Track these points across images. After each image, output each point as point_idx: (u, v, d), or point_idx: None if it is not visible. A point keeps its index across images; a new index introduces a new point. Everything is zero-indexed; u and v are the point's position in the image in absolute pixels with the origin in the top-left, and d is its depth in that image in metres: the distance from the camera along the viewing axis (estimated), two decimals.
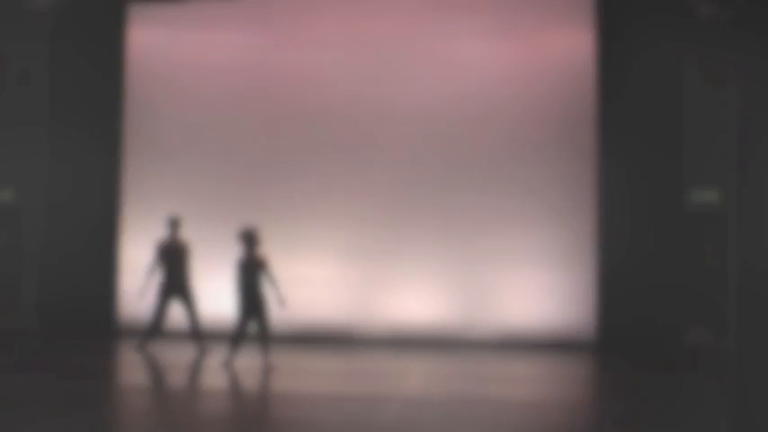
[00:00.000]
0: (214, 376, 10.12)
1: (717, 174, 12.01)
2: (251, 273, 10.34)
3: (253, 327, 10.43)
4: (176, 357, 11.27)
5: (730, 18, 7.02)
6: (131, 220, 13.41)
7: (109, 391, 9.27)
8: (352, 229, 12.93)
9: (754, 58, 7.25)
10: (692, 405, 8.74)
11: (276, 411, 8.72)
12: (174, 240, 11.50)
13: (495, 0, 13.21)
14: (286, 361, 10.69)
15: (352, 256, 12.97)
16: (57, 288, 13.25)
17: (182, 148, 13.43)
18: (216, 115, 13.43)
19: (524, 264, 12.65)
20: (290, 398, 8.93)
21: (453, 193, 12.88)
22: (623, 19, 12.37)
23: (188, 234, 11.67)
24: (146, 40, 13.70)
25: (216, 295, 12.03)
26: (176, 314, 11.61)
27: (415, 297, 12.84)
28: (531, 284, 12.62)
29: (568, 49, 12.90)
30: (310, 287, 12.78)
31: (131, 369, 10.86)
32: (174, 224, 11.52)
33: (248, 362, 10.44)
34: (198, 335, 11.44)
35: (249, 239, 10.36)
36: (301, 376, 10.19)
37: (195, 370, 10.65)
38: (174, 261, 11.40)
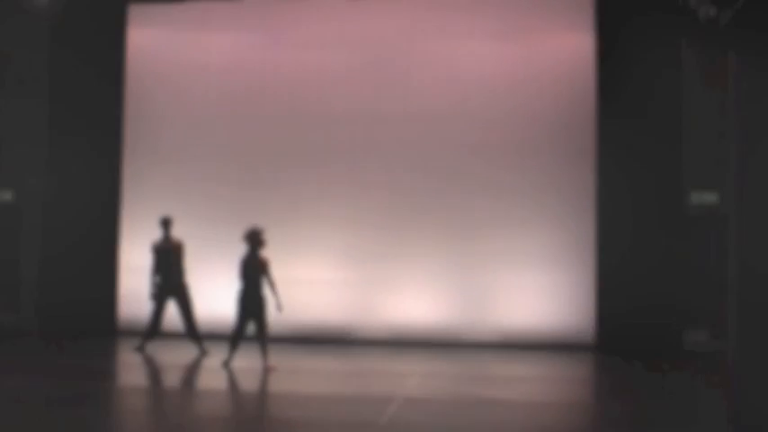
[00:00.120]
0: (213, 376, 10.13)
1: (716, 175, 12.03)
2: (252, 273, 10.34)
3: (251, 327, 10.43)
4: (175, 358, 11.27)
5: (730, 19, 7.02)
6: (131, 220, 13.42)
7: (106, 392, 9.25)
8: (352, 229, 12.93)
9: (753, 58, 7.26)
10: (692, 406, 8.74)
11: (275, 412, 8.72)
12: (168, 240, 11.51)
13: (496, 1, 13.22)
14: (286, 361, 10.69)
15: (352, 257, 12.97)
16: (56, 289, 13.27)
17: (181, 148, 13.45)
18: (215, 116, 13.44)
19: (524, 265, 12.65)
20: (290, 398, 8.93)
21: (453, 195, 12.88)
22: (623, 20, 12.37)
23: (187, 235, 11.67)
24: (145, 40, 13.72)
25: (215, 296, 12.04)
26: (177, 315, 11.60)
27: (415, 298, 12.84)
28: (530, 286, 12.61)
29: (568, 50, 12.90)
30: (310, 288, 12.79)
31: (129, 369, 10.85)
32: (165, 224, 11.52)
33: (248, 362, 10.44)
34: (195, 335, 11.44)
35: (251, 240, 10.35)
36: (301, 377, 10.19)
37: (193, 370, 10.66)
38: (168, 261, 11.42)
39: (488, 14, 13.11)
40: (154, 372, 10.92)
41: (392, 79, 13.11)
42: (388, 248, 12.87)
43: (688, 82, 12.40)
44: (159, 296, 11.47)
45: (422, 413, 8.16)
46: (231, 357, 10.46)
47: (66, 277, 13.17)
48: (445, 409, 8.36)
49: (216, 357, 10.77)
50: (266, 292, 10.38)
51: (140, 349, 11.55)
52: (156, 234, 11.62)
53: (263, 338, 10.33)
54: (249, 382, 9.93)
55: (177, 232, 11.60)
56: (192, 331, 11.44)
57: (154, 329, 11.59)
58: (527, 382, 9.90)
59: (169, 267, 11.39)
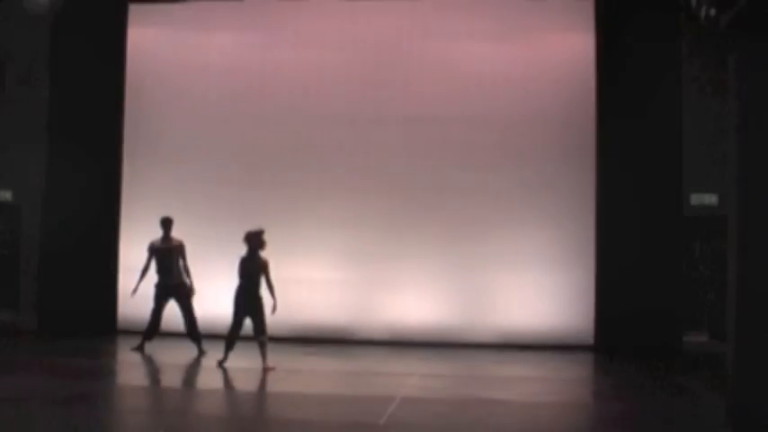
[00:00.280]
0: (212, 376, 10.13)
1: (717, 176, 12.02)
2: (251, 273, 10.34)
3: (248, 327, 10.43)
4: (174, 357, 11.26)
5: (730, 20, 7.02)
6: (130, 219, 13.41)
7: (104, 391, 9.25)
8: (352, 229, 12.92)
9: (753, 59, 7.26)
10: (691, 406, 8.74)
11: (273, 412, 8.72)
12: (168, 240, 11.50)
13: (496, 1, 13.22)
14: (285, 362, 10.68)
15: (352, 257, 12.96)
16: (56, 288, 13.27)
17: (181, 147, 13.44)
18: (215, 115, 13.44)
19: (524, 265, 12.63)
20: (288, 398, 8.92)
21: (453, 195, 12.87)
22: (624, 20, 12.37)
23: (187, 234, 11.66)
24: (145, 40, 13.72)
25: (215, 296, 12.02)
26: (176, 315, 11.59)
27: (415, 298, 12.83)
28: (530, 286, 12.60)
29: (569, 50, 12.90)
30: (310, 288, 12.79)
31: (128, 369, 10.85)
32: (166, 224, 11.51)
33: (247, 362, 10.43)
34: (195, 335, 11.43)
35: (251, 241, 10.36)
36: (300, 377, 10.18)
37: (192, 370, 10.65)
38: (167, 261, 11.40)
39: (488, 14, 13.10)
40: (153, 371, 10.92)
41: (392, 79, 13.09)
42: (389, 248, 12.85)
43: (688, 82, 12.39)
44: (159, 296, 11.46)
45: (421, 413, 8.16)
46: (226, 357, 10.46)
47: (66, 276, 13.17)
48: (445, 409, 8.35)
49: (215, 357, 10.75)
50: (263, 292, 10.38)
51: (139, 349, 11.54)
52: (155, 233, 11.60)
53: (262, 338, 10.32)
54: (248, 382, 9.92)
55: (177, 232, 11.58)
56: (192, 331, 11.44)
57: (153, 329, 11.58)
58: (527, 383, 9.89)
59: (170, 267, 11.39)
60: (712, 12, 7.11)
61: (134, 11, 13.77)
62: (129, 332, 12.50)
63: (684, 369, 10.87)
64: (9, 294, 13.87)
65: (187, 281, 11.47)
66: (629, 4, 12.32)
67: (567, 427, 7.92)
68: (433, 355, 11.89)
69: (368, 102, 13.12)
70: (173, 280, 11.41)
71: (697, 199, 12.64)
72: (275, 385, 9.72)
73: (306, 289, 12.70)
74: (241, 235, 10.42)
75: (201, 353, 11.29)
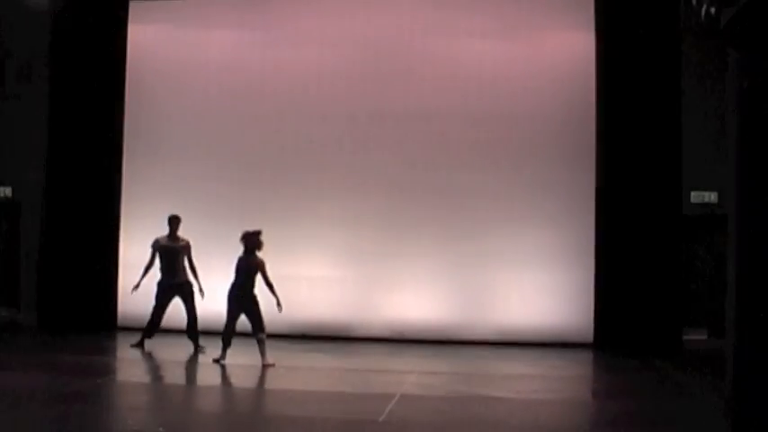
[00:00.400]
0: (211, 373, 10.13)
1: (717, 175, 12.02)
2: (246, 273, 10.35)
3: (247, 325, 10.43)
4: (173, 354, 11.27)
5: (731, 18, 7.02)
6: (130, 216, 13.41)
7: (104, 388, 9.25)
8: (352, 227, 12.92)
9: (754, 57, 7.26)
10: (691, 405, 8.74)
11: (273, 408, 8.73)
12: (174, 239, 11.48)
13: (496, 0, 13.22)
14: (284, 359, 10.69)
15: (352, 255, 12.97)
16: (56, 285, 13.28)
17: (181, 145, 13.45)
18: (215, 113, 13.44)
19: (523, 263, 12.64)
20: (288, 395, 8.93)
21: (453, 193, 12.87)
22: (624, 19, 12.37)
23: (186, 233, 11.65)
24: (146, 37, 13.71)
25: (214, 295, 12.01)
26: (175, 312, 11.58)
27: (414, 296, 12.84)
28: (530, 284, 12.61)
29: (569, 49, 12.89)
30: (309, 286, 12.79)
31: (127, 365, 10.86)
32: (173, 222, 11.49)
33: (246, 359, 10.44)
34: (193, 333, 11.42)
35: (248, 242, 10.36)
36: (299, 374, 10.20)
37: (192, 367, 10.66)
38: (172, 259, 11.39)
39: (489, 12, 13.10)
40: (153, 368, 10.93)
41: (392, 77, 13.09)
42: (388, 246, 12.86)
43: (688, 81, 12.39)
44: (160, 295, 11.44)
45: (420, 410, 8.17)
46: (224, 354, 10.46)
47: (66, 273, 13.18)
48: (444, 406, 8.36)
49: (212, 355, 10.74)
50: (259, 291, 10.37)
51: (139, 346, 11.54)
52: (154, 230, 11.58)
53: (261, 336, 10.32)
54: (247, 379, 9.93)
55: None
56: (192, 329, 11.43)
57: (154, 327, 11.58)
58: (526, 380, 9.90)
59: (175, 266, 11.36)
60: (713, 10, 7.11)
61: (134, 8, 13.76)
62: (129, 329, 12.50)
63: (683, 367, 10.88)
64: (9, 291, 13.88)
65: (193, 281, 11.45)
66: (629, 3, 12.31)
67: (566, 424, 7.93)
68: (433, 352, 11.89)
69: (368, 100, 13.12)
70: (177, 279, 11.38)
71: (697, 197, 12.65)
72: (274, 382, 9.73)
73: (305, 286, 12.71)
74: (240, 233, 10.43)
75: (199, 349, 11.24)
